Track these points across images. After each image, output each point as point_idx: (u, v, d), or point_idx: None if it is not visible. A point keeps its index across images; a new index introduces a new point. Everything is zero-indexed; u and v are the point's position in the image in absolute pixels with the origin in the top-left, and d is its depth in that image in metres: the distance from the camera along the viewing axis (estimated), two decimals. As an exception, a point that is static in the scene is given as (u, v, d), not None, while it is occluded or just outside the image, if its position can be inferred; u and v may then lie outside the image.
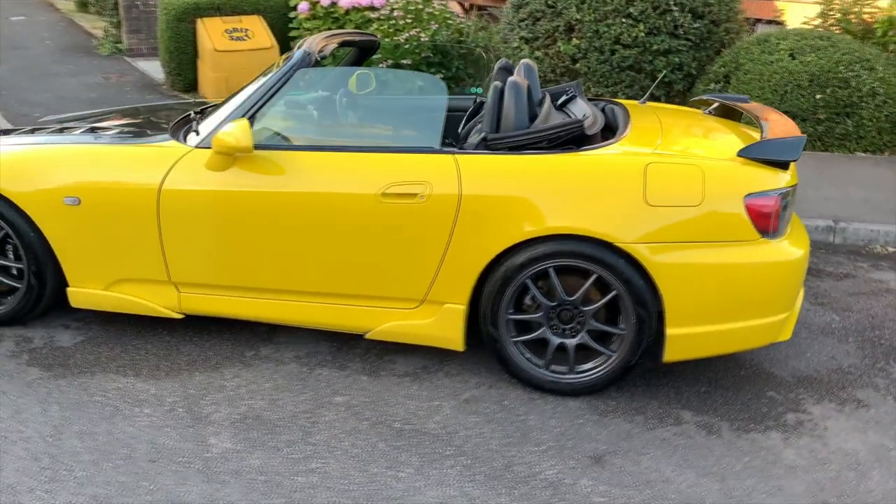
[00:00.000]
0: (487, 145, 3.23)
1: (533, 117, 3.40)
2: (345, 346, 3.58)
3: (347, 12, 7.53)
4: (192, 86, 8.50)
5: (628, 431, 3.02)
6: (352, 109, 4.23)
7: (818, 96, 6.53)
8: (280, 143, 3.46)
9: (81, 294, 3.53)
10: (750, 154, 3.09)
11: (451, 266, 3.16)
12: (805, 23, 7.77)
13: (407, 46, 7.05)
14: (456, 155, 3.17)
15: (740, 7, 7.53)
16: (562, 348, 3.19)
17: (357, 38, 4.04)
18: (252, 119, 3.29)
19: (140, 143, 3.45)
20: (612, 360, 3.16)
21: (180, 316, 3.49)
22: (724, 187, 3.02)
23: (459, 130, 4.01)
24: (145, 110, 4.34)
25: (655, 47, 6.91)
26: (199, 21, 8.19)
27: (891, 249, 5.00)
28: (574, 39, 7.09)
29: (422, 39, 7.11)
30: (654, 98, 6.72)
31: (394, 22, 7.27)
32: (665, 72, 6.83)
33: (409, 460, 2.82)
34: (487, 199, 3.08)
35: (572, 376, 3.20)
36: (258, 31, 8.25)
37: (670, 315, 3.04)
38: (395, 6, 7.41)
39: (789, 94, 6.58)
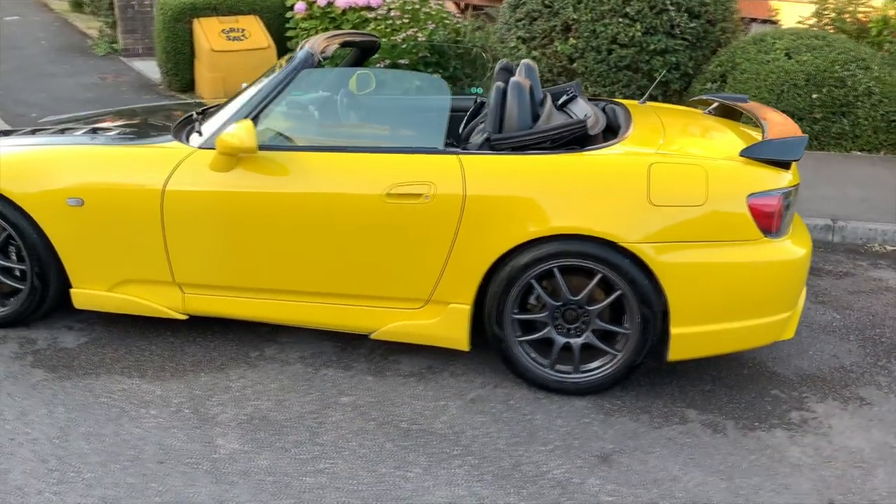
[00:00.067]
0: (491, 145, 3.24)
1: (535, 117, 3.40)
2: (349, 346, 3.58)
3: (344, 12, 7.53)
4: (188, 86, 8.49)
5: (634, 430, 3.03)
6: (354, 110, 4.23)
7: (814, 96, 6.57)
8: (284, 143, 3.46)
9: (85, 295, 3.53)
10: (752, 154, 3.11)
11: (455, 266, 3.17)
12: (800, 22, 7.81)
13: (404, 46, 7.05)
14: (460, 155, 3.17)
15: (736, 7, 7.56)
16: (567, 348, 3.20)
17: (357, 38, 4.04)
18: (255, 120, 3.29)
19: (143, 144, 3.45)
20: (617, 360, 3.17)
21: (184, 317, 3.49)
22: (727, 187, 3.03)
23: (460, 131, 4.01)
24: (145, 111, 4.33)
25: (652, 47, 6.93)
26: (195, 21, 8.19)
27: (889, 248, 5.03)
28: (571, 39, 7.10)
29: (419, 39, 7.11)
30: (651, 98, 6.73)
31: (391, 22, 7.27)
32: (663, 72, 6.85)
33: (417, 460, 2.83)
34: (492, 200, 3.08)
35: (577, 376, 3.22)
36: (255, 31, 8.25)
37: (675, 314, 3.06)
38: (392, 6, 7.41)
39: (786, 94, 6.61)
